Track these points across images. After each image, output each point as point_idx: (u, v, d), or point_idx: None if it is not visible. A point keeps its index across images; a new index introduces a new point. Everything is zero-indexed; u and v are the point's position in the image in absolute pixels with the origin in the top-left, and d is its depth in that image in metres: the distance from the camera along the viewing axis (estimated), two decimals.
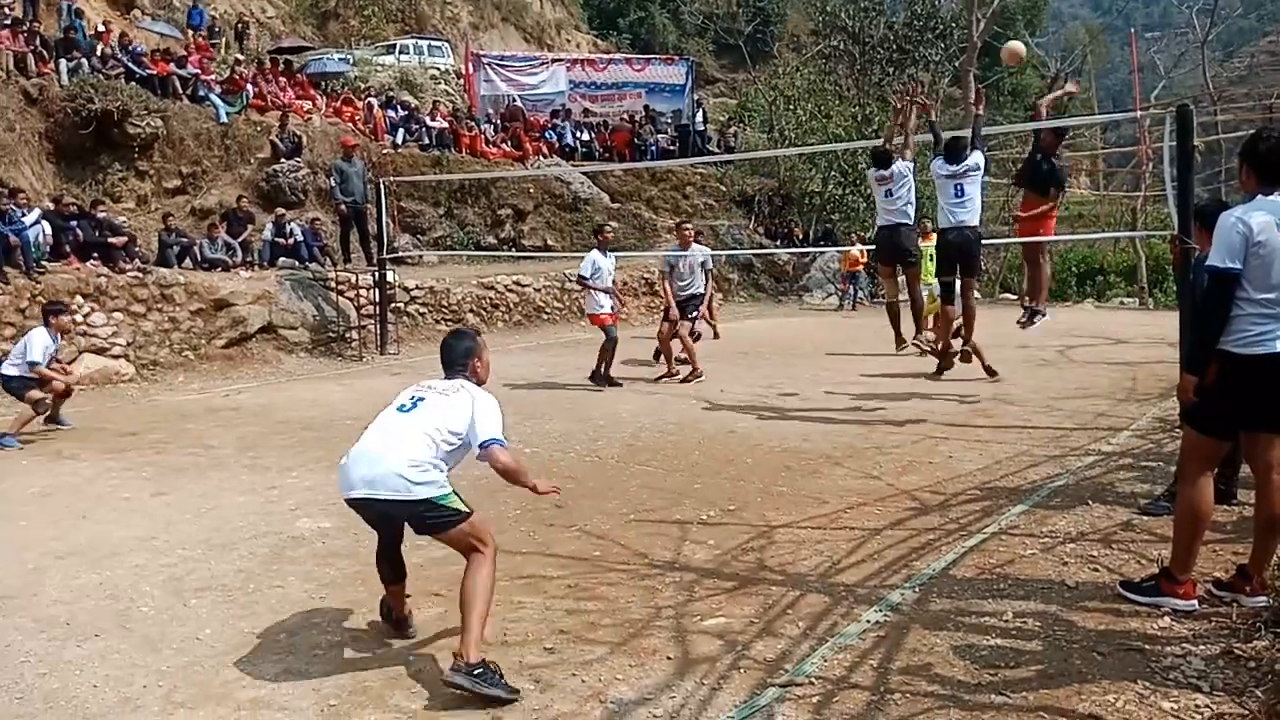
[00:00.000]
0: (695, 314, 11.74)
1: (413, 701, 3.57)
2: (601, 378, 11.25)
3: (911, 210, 9.41)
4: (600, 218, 21.03)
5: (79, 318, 11.65)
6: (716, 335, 15.17)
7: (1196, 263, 5.58)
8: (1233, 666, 3.59)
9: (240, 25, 23.48)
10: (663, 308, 12.23)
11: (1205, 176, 23.76)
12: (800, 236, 23.78)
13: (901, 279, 9.64)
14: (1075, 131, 30.62)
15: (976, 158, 8.64)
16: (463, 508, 3.82)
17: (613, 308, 11.55)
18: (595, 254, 11.41)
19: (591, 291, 11.36)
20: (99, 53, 16.46)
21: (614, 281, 11.65)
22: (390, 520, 3.98)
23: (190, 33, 20.95)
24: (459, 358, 4.17)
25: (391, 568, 4.18)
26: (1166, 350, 11.56)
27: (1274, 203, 3.97)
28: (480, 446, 3.86)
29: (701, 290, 11.68)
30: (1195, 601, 4.15)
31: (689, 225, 12.54)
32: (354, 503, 3.87)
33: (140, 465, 7.60)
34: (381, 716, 3.47)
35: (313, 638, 4.17)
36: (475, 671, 3.51)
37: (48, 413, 8.95)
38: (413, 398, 4.02)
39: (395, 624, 4.23)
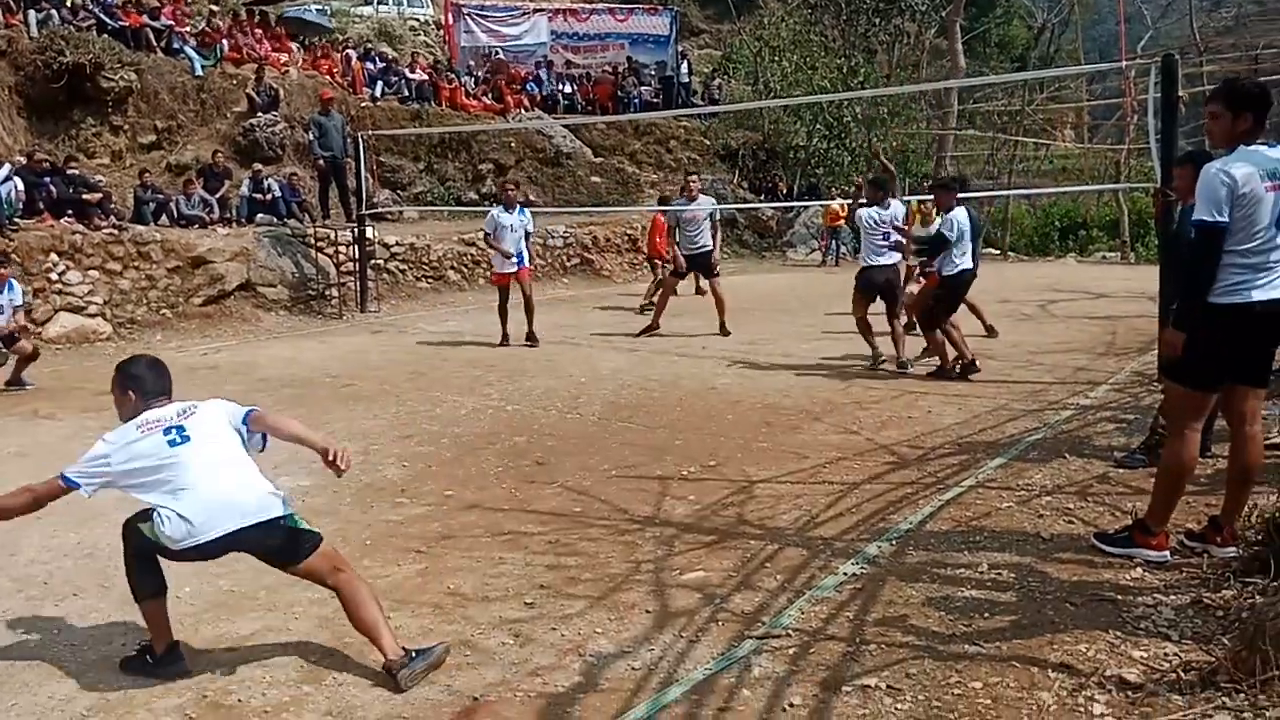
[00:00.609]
0: (716, 270, 11.65)
1: None
2: (506, 336, 11.16)
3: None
4: (583, 172, 20.88)
5: (54, 275, 11.52)
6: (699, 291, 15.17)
7: (1182, 214, 5.56)
8: (1202, 615, 3.64)
9: None
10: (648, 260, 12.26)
11: (1190, 129, 23.62)
12: (784, 191, 23.67)
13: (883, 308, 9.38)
14: (1060, 83, 30.53)
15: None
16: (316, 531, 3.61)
17: (521, 263, 11.21)
18: (496, 210, 11.21)
19: (492, 251, 11.27)
20: (69, 3, 16.09)
21: (526, 237, 11.25)
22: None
23: None
24: (169, 386, 3.80)
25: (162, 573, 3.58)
26: (1147, 304, 11.61)
27: (1256, 153, 3.93)
28: (245, 424, 3.67)
29: (710, 244, 11.57)
30: (1167, 553, 4.19)
31: (695, 176, 12.42)
32: (227, 538, 3.43)
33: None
34: (360, 675, 3.48)
35: (292, 595, 4.17)
36: (412, 658, 3.39)
37: (6, 365, 8.83)
38: (175, 430, 3.54)
39: (162, 660, 3.53)
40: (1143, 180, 20.93)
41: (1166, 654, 3.36)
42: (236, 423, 3.68)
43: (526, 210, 11.44)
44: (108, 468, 3.51)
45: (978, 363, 8.59)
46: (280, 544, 3.49)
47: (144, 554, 3.51)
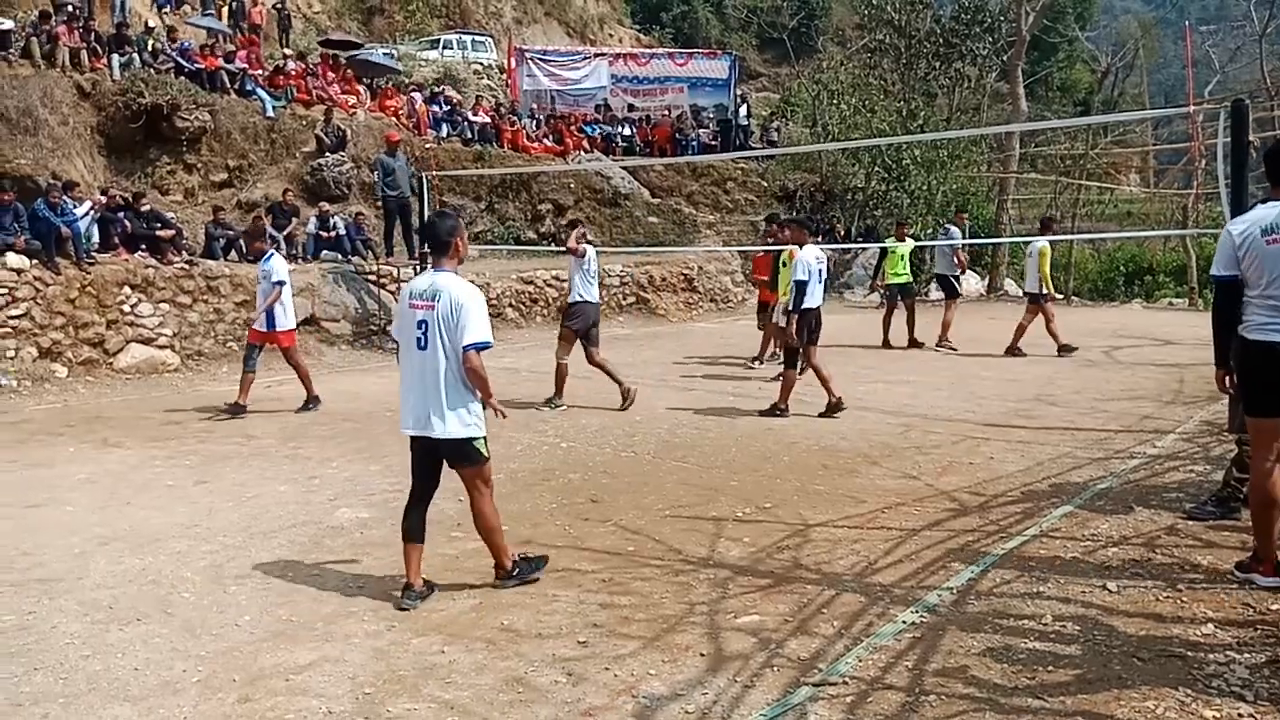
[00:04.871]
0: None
1: (445, 691, 3.60)
2: (238, 404, 9.37)
3: None
4: (640, 212, 21.05)
5: (126, 308, 11.85)
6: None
7: None
8: (1278, 676, 3.51)
9: (282, 20, 23.73)
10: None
11: (1259, 174, 23.14)
12: (842, 233, 23.57)
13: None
14: (1125, 128, 30.12)
15: None
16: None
17: (270, 325, 9.46)
18: None
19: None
20: (150, 47, 16.73)
21: (275, 290, 9.39)
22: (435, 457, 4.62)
23: (232, 22, 21.22)
24: (444, 235, 4.57)
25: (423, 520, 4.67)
26: None
27: (1271, 207, 4.30)
28: (461, 349, 4.38)
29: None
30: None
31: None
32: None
33: (183, 454, 7.73)
34: (415, 705, 3.50)
35: (349, 626, 4.22)
36: (513, 573, 4.66)
37: None
38: (419, 325, 4.44)
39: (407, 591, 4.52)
40: (1211, 226, 20.48)
41: (1240, 714, 3.24)
42: (459, 339, 4.40)
43: (274, 257, 9.66)
44: None
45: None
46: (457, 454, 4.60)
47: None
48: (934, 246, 15.82)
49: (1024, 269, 13.84)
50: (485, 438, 4.56)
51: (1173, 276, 24.76)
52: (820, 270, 9.06)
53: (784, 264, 10.64)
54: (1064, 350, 12.53)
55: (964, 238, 15.35)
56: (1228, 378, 4.57)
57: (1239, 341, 4.39)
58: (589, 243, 10.04)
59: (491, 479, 4.66)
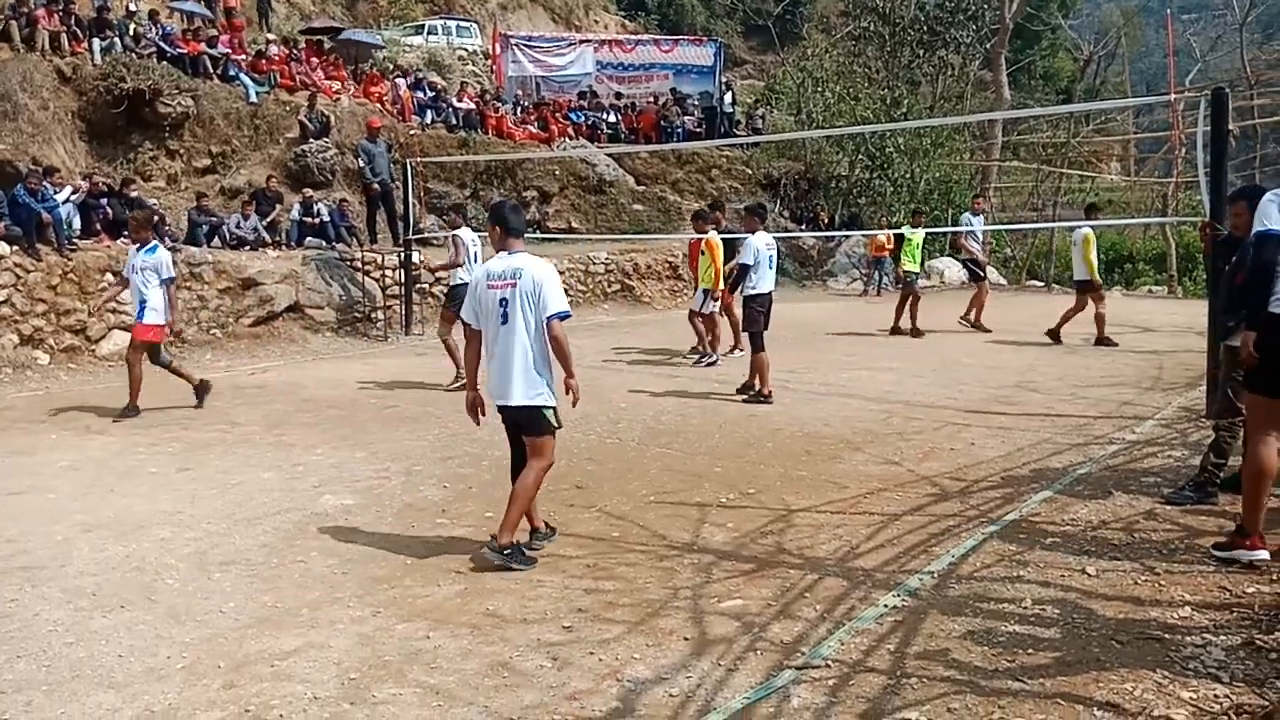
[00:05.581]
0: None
1: (430, 676, 3.61)
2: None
3: None
4: (625, 199, 21.02)
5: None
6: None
7: (1241, 248, 5.61)
8: (1254, 657, 3.56)
9: (261, 4, 23.52)
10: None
11: (1239, 162, 23.35)
12: (826, 221, 23.63)
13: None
14: (1106, 116, 30.25)
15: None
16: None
17: (139, 316, 8.79)
18: None
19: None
20: (131, 32, 16.57)
21: (168, 284, 8.79)
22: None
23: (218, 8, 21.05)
24: (523, 224, 5.03)
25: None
26: (1194, 339, 11.42)
27: None
28: (545, 320, 4.72)
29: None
30: (1265, 552, 4.41)
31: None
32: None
33: (167, 441, 7.70)
34: (400, 690, 3.51)
35: (334, 612, 4.22)
36: (505, 551, 4.66)
37: None
38: (501, 303, 4.76)
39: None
40: (1190, 214, 20.64)
41: (1217, 696, 3.29)
42: (542, 311, 4.77)
43: (158, 249, 8.90)
44: None
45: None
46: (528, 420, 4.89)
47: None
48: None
49: (1069, 258, 14.10)
50: (555, 408, 4.89)
51: (1152, 264, 24.94)
52: (771, 256, 9.38)
53: (702, 252, 10.98)
54: (1052, 335, 12.60)
55: (985, 224, 15.79)
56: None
57: (1266, 319, 4.38)
58: (467, 225, 10.38)
59: (550, 457, 4.99)
